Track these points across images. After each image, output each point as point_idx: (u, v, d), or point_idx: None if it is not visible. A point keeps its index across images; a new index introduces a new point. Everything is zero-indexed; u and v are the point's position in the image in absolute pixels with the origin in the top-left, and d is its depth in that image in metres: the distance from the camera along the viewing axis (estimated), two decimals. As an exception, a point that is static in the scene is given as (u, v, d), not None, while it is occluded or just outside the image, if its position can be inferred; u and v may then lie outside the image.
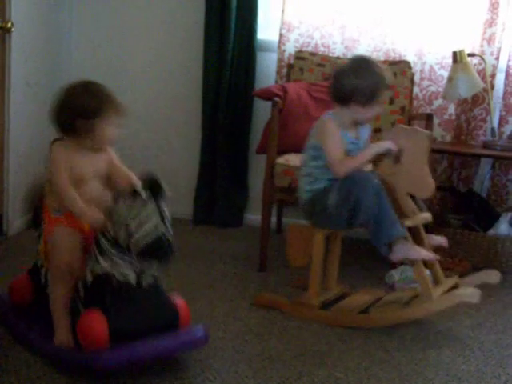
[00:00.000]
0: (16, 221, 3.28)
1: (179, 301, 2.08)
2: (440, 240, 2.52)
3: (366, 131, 2.54)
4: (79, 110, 2.02)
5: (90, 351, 1.90)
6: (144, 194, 1.89)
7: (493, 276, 2.54)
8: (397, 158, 2.43)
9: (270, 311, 2.54)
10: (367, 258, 3.24)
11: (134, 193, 1.90)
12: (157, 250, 1.90)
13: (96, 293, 1.96)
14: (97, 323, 1.89)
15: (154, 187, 1.91)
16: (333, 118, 2.44)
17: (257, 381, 2.01)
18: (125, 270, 1.95)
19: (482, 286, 2.38)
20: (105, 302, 1.93)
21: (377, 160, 2.48)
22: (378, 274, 2.99)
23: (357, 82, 2.37)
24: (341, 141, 2.41)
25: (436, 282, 2.46)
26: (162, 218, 1.91)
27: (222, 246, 3.36)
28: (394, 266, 2.98)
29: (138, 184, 1.93)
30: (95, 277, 1.96)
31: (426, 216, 2.51)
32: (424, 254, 2.36)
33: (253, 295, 2.69)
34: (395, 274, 2.87)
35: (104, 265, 1.95)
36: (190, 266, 3.00)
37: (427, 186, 2.39)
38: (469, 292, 2.32)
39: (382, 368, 2.15)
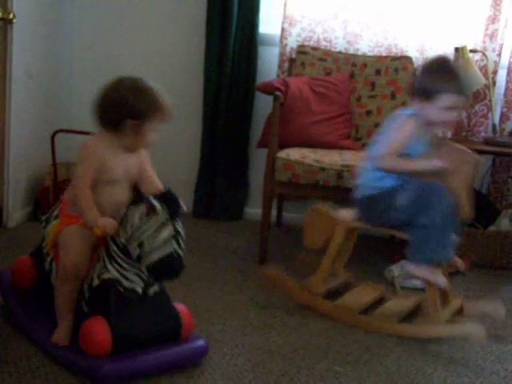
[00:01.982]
0: (16, 213, 3.28)
1: (182, 309, 2.06)
2: (458, 263, 2.44)
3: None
4: (130, 111, 1.94)
5: (91, 360, 1.87)
6: (158, 208, 1.86)
7: (498, 310, 2.42)
8: (443, 175, 2.31)
9: (270, 305, 2.54)
10: (367, 252, 3.24)
11: (151, 204, 1.86)
12: (166, 266, 1.87)
13: (101, 297, 1.94)
14: (99, 329, 1.87)
15: (170, 202, 1.89)
16: (414, 114, 2.33)
17: (256, 374, 2.01)
18: (132, 278, 1.94)
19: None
20: (109, 308, 1.91)
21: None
22: (377, 268, 2.99)
23: (421, 78, 2.32)
24: (408, 138, 2.30)
25: (443, 298, 2.40)
26: (176, 234, 1.89)
27: (222, 240, 3.36)
28: (393, 261, 2.98)
29: (152, 199, 1.88)
30: (102, 281, 1.94)
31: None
32: (443, 282, 2.31)
33: (253, 289, 2.69)
34: (395, 270, 2.87)
35: (112, 271, 1.93)
36: (189, 260, 2.99)
37: (463, 213, 2.32)
38: (473, 330, 2.26)
39: (382, 362, 2.15)
